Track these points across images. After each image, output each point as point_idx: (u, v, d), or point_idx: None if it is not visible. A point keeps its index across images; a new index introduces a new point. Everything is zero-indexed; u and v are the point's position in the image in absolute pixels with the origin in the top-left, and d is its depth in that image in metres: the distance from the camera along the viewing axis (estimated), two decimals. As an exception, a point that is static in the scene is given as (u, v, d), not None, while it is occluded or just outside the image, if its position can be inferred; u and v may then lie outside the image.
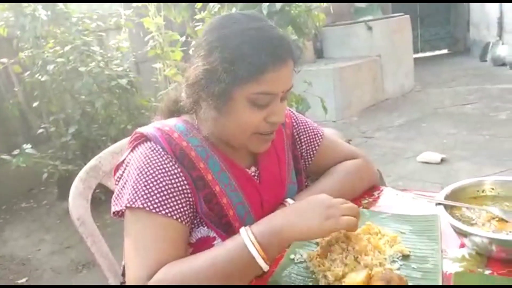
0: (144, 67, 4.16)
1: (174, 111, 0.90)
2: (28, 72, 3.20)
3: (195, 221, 0.81)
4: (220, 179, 0.81)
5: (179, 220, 0.75)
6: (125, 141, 1.25)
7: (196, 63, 0.77)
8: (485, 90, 5.42)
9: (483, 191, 0.86)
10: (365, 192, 1.04)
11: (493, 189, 0.85)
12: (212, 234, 0.81)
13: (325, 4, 2.48)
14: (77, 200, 1.11)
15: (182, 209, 0.76)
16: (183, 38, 2.77)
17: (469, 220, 0.79)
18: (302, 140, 1.00)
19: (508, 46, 6.85)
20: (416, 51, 7.68)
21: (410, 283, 0.69)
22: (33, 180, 3.54)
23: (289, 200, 0.89)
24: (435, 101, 5.28)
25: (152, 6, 2.86)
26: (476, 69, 7.05)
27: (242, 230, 0.71)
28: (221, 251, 0.69)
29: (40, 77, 3.11)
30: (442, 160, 3.32)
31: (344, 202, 0.74)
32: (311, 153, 1.01)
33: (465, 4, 8.97)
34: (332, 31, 5.78)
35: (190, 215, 0.78)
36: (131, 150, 0.82)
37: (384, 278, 0.67)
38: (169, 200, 0.75)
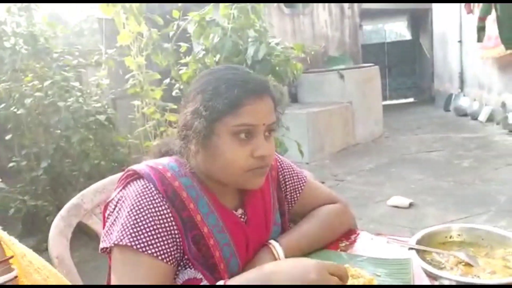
0: (121, 104, 4.18)
1: (164, 153, 0.94)
2: (3, 105, 3.17)
3: (182, 263, 0.81)
4: (208, 220, 0.83)
5: (165, 260, 0.76)
6: (107, 180, 1.27)
7: (185, 109, 0.85)
8: (449, 138, 5.72)
9: (451, 237, 0.93)
10: (342, 235, 1.08)
11: (459, 235, 0.93)
12: (199, 275, 0.81)
13: (303, 54, 2.65)
14: (57, 238, 1.10)
15: (169, 250, 0.77)
16: (167, 80, 2.84)
17: (438, 264, 0.85)
18: (287, 183, 1.04)
19: (469, 98, 7.32)
20: (384, 99, 8.07)
21: (386, 324, 0.73)
22: (-3, 215, 3.40)
23: (273, 242, 0.92)
24: (402, 147, 5.52)
25: (135, 47, 2.94)
26: (441, 118, 7.46)
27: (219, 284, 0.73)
28: None
29: (15, 110, 3.08)
30: (411, 204, 3.44)
31: (333, 270, 0.73)
32: (295, 196, 1.05)
33: (429, 57, 9.59)
34: (306, 77, 6.04)
35: (176, 256, 0.79)
36: (123, 187, 0.83)
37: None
38: (157, 240, 0.76)
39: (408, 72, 10.58)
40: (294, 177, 1.05)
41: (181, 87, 2.70)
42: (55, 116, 3.02)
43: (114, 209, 0.81)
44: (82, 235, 2.67)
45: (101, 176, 1.29)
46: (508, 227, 2.72)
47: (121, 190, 0.83)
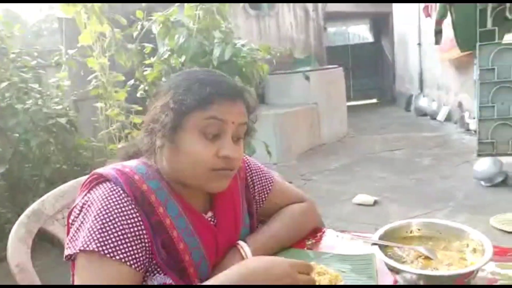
0: (84, 106, 4.06)
1: (132, 155, 0.92)
2: (-44, 107, 3.00)
3: (150, 268, 0.80)
4: (177, 224, 0.82)
5: (133, 266, 0.74)
6: (69, 184, 1.23)
7: (154, 104, 0.84)
8: (410, 137, 5.93)
9: (411, 232, 0.97)
10: (309, 234, 1.11)
11: (419, 229, 0.97)
12: (169, 280, 0.80)
13: (268, 56, 2.68)
14: (17, 246, 1.06)
15: (137, 255, 0.75)
16: (131, 81, 2.79)
17: (400, 258, 0.89)
18: (255, 184, 1.05)
19: (428, 98, 7.62)
20: (348, 99, 8.27)
21: (351, 318, 0.75)
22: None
23: (241, 243, 0.93)
24: (367, 146, 5.67)
25: (97, 47, 2.87)
26: (402, 118, 7.72)
27: None
28: None
29: (-31, 113, 2.93)
30: (375, 202, 3.54)
31: (301, 268, 0.76)
32: (263, 196, 1.05)
33: (391, 59, 9.91)
34: (272, 79, 6.09)
35: (145, 262, 0.77)
36: (88, 191, 0.80)
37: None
38: (125, 246, 0.74)
39: (370, 73, 10.90)
40: (262, 178, 1.06)
41: (146, 88, 2.66)
42: (13, 119, 2.89)
43: (79, 214, 0.78)
44: (44, 242, 2.58)
45: (63, 180, 1.24)
46: (465, 221, 2.85)
47: (86, 195, 0.80)
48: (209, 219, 0.90)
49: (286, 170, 4.85)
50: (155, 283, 0.80)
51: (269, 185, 1.07)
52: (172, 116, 0.78)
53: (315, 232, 1.13)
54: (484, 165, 3.72)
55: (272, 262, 0.74)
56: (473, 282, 0.82)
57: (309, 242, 1.07)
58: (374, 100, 10.85)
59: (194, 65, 2.34)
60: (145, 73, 2.62)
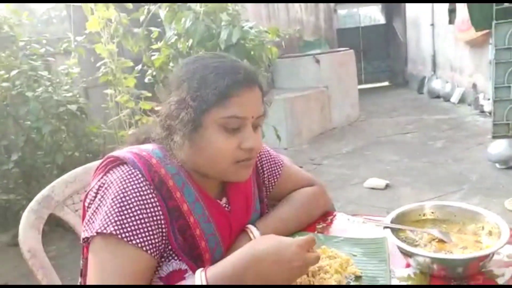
0: (94, 93, 4.07)
1: (143, 141, 0.89)
2: (-32, 97, 3.04)
3: (165, 254, 0.79)
4: (194, 210, 0.81)
5: (149, 252, 0.73)
6: (79, 170, 1.23)
7: (168, 98, 0.80)
8: (422, 120, 5.84)
9: (424, 215, 0.94)
10: (319, 217, 1.09)
11: (432, 212, 0.94)
12: (184, 266, 0.79)
13: (277, 38, 2.63)
14: (28, 232, 1.07)
15: (154, 241, 0.74)
16: (139, 67, 2.77)
17: (412, 241, 0.87)
18: (265, 169, 1.03)
19: (441, 80, 7.47)
20: (360, 82, 8.16)
21: (363, 302, 0.74)
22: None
23: (250, 227, 0.92)
24: (378, 130, 5.60)
25: (105, 33, 2.86)
26: (414, 100, 7.59)
27: (197, 273, 0.70)
28: None
29: (-19, 102, 2.96)
30: (387, 185, 3.51)
31: (307, 245, 0.73)
32: (273, 181, 1.04)
33: (403, 40, 9.70)
34: (282, 62, 6.02)
35: (160, 248, 0.76)
36: (104, 174, 0.78)
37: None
38: (143, 230, 0.73)
39: (382, 56, 10.70)
40: (272, 163, 1.05)
41: (154, 73, 2.64)
42: (24, 107, 2.91)
43: (95, 196, 0.76)
44: (58, 228, 2.63)
45: (75, 167, 1.24)
46: (479, 204, 2.81)
47: (102, 177, 0.78)
48: (224, 205, 0.89)
49: (296, 154, 4.83)
50: (170, 270, 0.79)
51: (279, 169, 1.05)
52: (192, 116, 0.76)
53: (326, 216, 1.11)
54: (499, 147, 3.64)
55: (280, 242, 0.71)
56: (488, 266, 0.80)
57: (320, 226, 1.06)
58: (386, 83, 10.68)
59: (201, 49, 2.30)
60: (152, 58, 2.59)
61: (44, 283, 1.03)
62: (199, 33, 2.24)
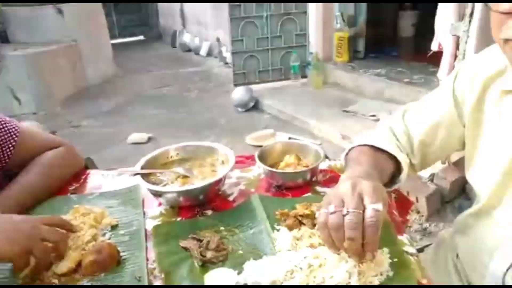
0: None
1: None
2: None
3: None
4: None
5: None
6: None
7: None
8: (177, 73, 6.16)
9: (171, 157, 1.05)
10: (72, 179, 1.06)
11: (178, 154, 1.05)
12: None
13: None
14: None
15: None
16: None
17: (161, 182, 0.96)
18: None
19: (190, 34, 7.96)
20: (113, 37, 7.80)
21: (120, 247, 0.78)
22: None
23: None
24: (137, 85, 5.61)
25: None
26: (169, 55, 7.88)
27: None
28: None
29: None
30: (150, 138, 3.63)
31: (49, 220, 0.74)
32: (8, 151, 0.95)
33: (151, -6, 9.70)
34: (15, 12, 5.11)
35: None
36: None
37: (95, 250, 0.74)
38: None
39: (134, 8, 10.45)
40: (2, 131, 0.93)
41: None
42: None
43: None
44: None
45: None
46: (228, 143, 3.26)
47: None
48: None
49: (49, 118, 4.34)
50: None
51: (14, 136, 0.95)
52: None
53: (79, 176, 1.08)
54: (239, 93, 4.26)
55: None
56: (223, 189, 0.97)
57: (72, 188, 1.03)
58: (141, 37, 10.59)
59: None
60: None
61: None
62: None
